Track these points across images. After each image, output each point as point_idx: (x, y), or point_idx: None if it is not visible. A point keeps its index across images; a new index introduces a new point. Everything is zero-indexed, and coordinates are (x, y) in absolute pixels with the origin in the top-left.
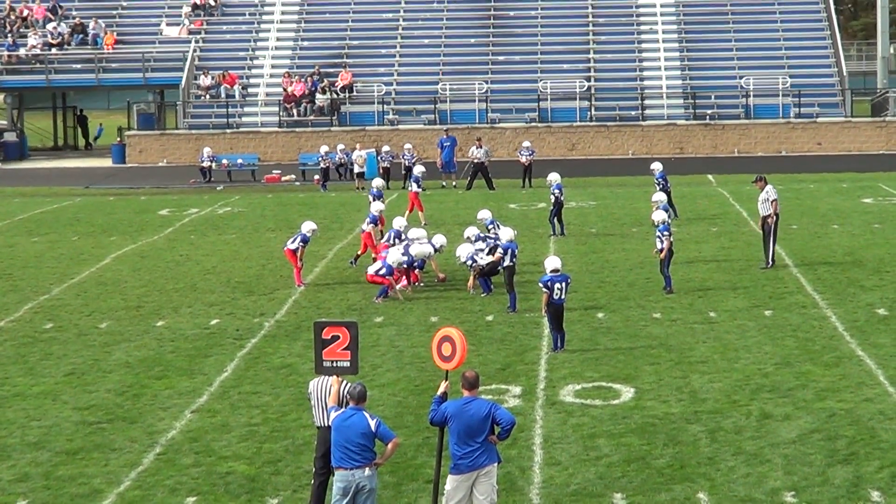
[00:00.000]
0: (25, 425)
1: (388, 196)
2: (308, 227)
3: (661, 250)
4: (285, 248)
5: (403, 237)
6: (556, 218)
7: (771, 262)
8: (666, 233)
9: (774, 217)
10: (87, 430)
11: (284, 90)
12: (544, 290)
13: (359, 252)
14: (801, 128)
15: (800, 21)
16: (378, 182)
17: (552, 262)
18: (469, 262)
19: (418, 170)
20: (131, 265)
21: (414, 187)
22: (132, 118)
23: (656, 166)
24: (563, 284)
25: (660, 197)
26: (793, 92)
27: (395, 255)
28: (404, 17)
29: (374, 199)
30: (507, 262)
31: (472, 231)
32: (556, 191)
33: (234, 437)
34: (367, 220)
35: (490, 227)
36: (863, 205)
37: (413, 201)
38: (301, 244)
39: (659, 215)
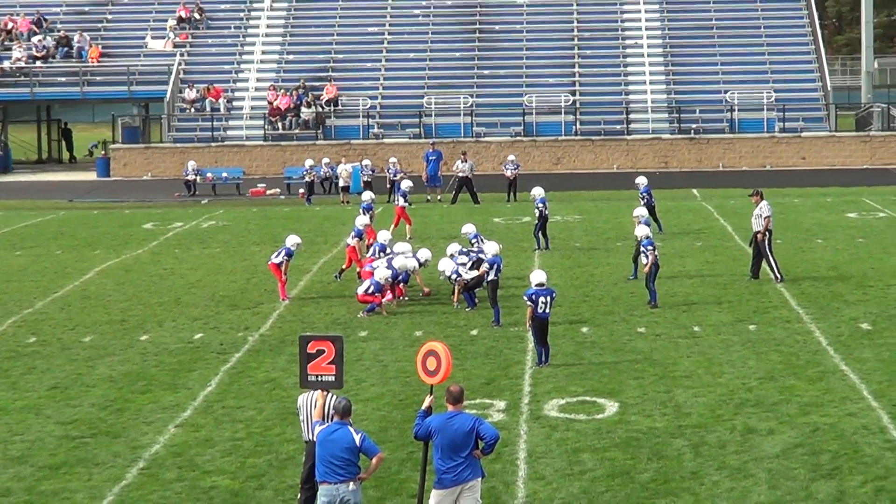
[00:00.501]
0: (8, 440)
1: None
2: (292, 240)
3: (646, 265)
4: (269, 262)
5: (388, 251)
6: (540, 232)
7: (780, 277)
8: (650, 247)
9: (766, 234)
10: (70, 445)
11: (270, 103)
12: (529, 303)
13: (343, 266)
14: (786, 142)
15: (784, 36)
16: (367, 195)
17: (537, 276)
18: (453, 277)
19: (406, 184)
20: (115, 279)
21: (401, 202)
22: (117, 131)
23: (641, 180)
24: (548, 298)
25: (641, 212)
26: (777, 106)
27: (381, 272)
28: (389, 30)
29: (362, 213)
30: (491, 277)
31: (454, 248)
32: (540, 205)
33: (218, 452)
34: (352, 233)
35: (474, 241)
36: (847, 219)
37: (399, 215)
38: (285, 258)
39: (641, 230)
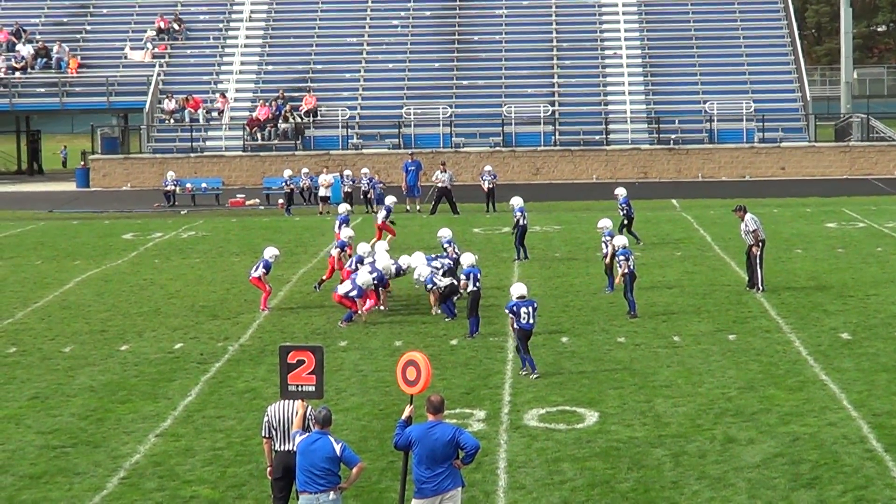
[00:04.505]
0: None
1: (351, 220)
2: (270, 252)
3: (619, 275)
4: (251, 277)
5: (367, 261)
6: (519, 242)
7: (761, 287)
8: (622, 257)
9: (758, 247)
10: (50, 455)
11: (250, 115)
12: (510, 315)
13: (324, 276)
14: (765, 152)
15: (763, 46)
16: (344, 207)
17: (518, 289)
18: (428, 286)
19: (390, 200)
20: (95, 289)
21: (381, 216)
22: (96, 142)
23: (620, 191)
24: (530, 309)
25: (605, 223)
26: (756, 116)
27: (364, 276)
28: (368, 41)
29: (341, 225)
30: (471, 287)
31: (419, 258)
32: (518, 213)
33: (199, 462)
34: (335, 244)
35: (447, 246)
36: (826, 229)
37: (381, 230)
38: (264, 270)
39: (619, 240)
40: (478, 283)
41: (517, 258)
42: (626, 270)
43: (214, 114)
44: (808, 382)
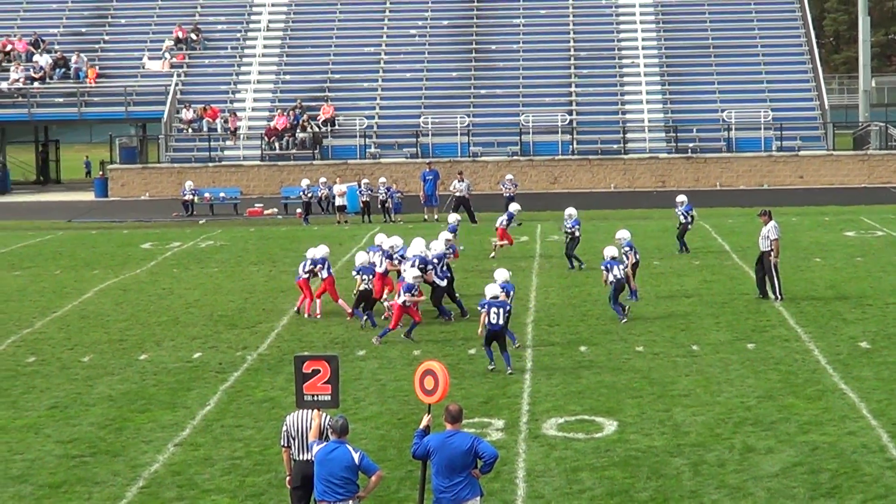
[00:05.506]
0: (8, 459)
1: (369, 229)
2: (321, 251)
3: (605, 281)
4: (324, 280)
5: (395, 250)
6: (570, 252)
7: (779, 296)
8: (606, 267)
9: (778, 255)
10: (70, 464)
11: (268, 124)
12: (483, 310)
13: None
14: (783, 161)
15: (781, 55)
16: (454, 217)
17: (491, 290)
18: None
19: (514, 207)
20: (114, 299)
21: (503, 220)
22: (114, 152)
23: (682, 199)
24: (500, 310)
25: (623, 234)
26: (775, 125)
27: (411, 273)
28: (386, 50)
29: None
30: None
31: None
32: (576, 226)
33: (217, 471)
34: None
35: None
36: (845, 238)
37: (502, 236)
38: (323, 270)
39: (623, 234)
40: (510, 298)
41: (571, 268)
42: (612, 279)
43: (227, 132)
44: (828, 391)
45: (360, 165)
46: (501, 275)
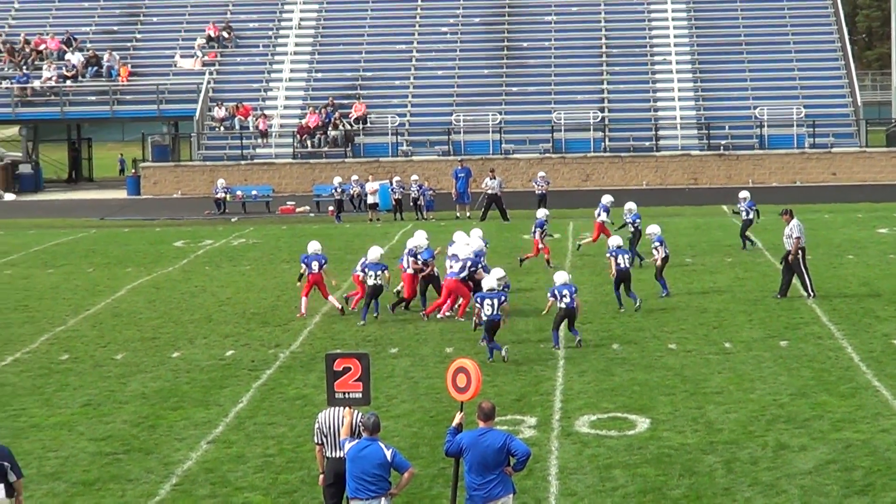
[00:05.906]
0: (42, 456)
1: (401, 227)
2: (416, 240)
3: (610, 271)
4: (404, 272)
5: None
6: (634, 248)
7: (811, 293)
8: (610, 255)
9: (796, 254)
10: (103, 461)
11: (300, 122)
12: (477, 305)
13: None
14: (816, 158)
15: (814, 51)
16: (542, 212)
17: (487, 283)
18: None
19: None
20: (146, 296)
21: (603, 216)
22: (147, 150)
23: (745, 195)
24: (495, 301)
25: (654, 229)
26: (807, 122)
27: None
28: (418, 48)
29: (536, 229)
30: (561, 304)
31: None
32: (637, 220)
33: (250, 468)
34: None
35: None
36: (878, 235)
37: (599, 230)
38: (419, 259)
39: (653, 229)
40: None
41: (639, 264)
42: (614, 268)
43: (257, 131)
44: (861, 389)
45: (391, 163)
46: (561, 277)
